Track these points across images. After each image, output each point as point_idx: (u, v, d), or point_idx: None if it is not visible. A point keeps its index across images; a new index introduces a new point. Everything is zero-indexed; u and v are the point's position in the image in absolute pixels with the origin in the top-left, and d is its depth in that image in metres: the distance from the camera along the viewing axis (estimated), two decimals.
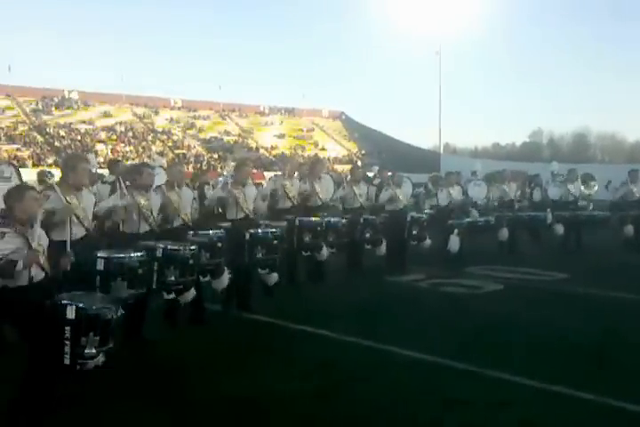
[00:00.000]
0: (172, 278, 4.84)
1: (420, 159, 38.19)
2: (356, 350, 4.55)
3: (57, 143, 37.36)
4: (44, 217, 3.91)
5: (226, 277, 5.58)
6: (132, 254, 4.46)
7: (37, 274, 3.55)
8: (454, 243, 8.95)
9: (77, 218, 4.24)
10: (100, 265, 4.30)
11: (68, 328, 3.40)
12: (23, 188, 3.78)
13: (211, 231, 5.66)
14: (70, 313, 3.41)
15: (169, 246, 4.86)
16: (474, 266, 8.74)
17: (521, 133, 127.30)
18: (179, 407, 3.71)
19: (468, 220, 9.45)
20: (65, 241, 4.08)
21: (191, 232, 5.55)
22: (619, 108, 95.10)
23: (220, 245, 5.56)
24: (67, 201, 4.17)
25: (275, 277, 6.38)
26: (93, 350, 3.45)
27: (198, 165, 35.88)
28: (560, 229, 10.21)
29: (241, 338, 5.23)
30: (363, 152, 46.90)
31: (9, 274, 3.34)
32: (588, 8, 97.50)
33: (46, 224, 3.99)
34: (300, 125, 51.02)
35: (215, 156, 40.06)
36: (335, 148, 47.95)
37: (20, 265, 3.33)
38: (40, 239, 3.58)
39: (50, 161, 34.62)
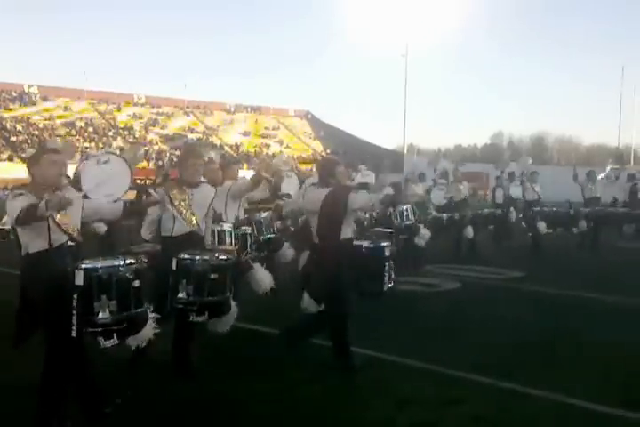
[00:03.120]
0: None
1: (384, 159, 38.44)
2: (309, 350, 4.48)
3: (13, 138, 36.22)
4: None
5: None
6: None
7: (59, 238, 3.18)
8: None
9: (180, 215, 4.08)
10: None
11: (75, 296, 3.00)
12: (40, 151, 3.50)
13: None
14: (78, 278, 3.02)
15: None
16: (431, 264, 8.78)
17: (482, 136, 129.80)
18: (138, 409, 3.57)
19: (433, 215, 9.49)
20: (172, 236, 4.11)
21: None
22: (576, 114, 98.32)
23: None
24: (170, 199, 4.08)
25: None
26: (107, 315, 3.05)
27: (160, 162, 35.31)
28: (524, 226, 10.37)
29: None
30: (328, 151, 46.98)
31: (32, 216, 2.96)
32: (551, 13, 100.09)
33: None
34: (266, 124, 50.78)
35: (177, 152, 39.48)
36: (300, 146, 47.90)
37: (42, 206, 2.90)
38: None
39: (4, 156, 33.58)
